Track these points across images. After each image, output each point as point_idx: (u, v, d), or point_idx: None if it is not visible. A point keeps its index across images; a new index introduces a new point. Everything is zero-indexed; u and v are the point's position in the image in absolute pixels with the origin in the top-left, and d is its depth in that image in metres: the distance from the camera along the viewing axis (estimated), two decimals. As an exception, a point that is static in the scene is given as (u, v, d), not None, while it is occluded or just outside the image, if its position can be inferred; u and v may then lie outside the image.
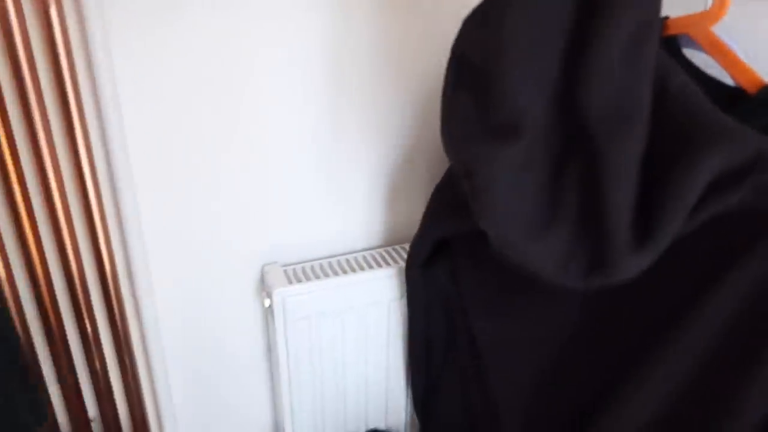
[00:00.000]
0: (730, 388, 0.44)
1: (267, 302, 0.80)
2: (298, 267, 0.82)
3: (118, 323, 0.75)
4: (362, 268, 0.83)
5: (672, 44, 0.56)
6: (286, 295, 0.78)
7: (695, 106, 0.41)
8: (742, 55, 0.50)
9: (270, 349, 0.87)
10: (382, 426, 0.95)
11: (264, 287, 0.81)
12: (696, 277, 0.43)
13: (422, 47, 0.78)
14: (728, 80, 0.52)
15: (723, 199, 0.39)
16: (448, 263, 0.71)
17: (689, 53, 0.56)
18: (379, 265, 0.83)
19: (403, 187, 0.86)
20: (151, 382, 0.81)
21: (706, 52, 0.52)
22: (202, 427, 0.90)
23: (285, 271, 0.81)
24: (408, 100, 0.81)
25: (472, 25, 0.47)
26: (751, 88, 0.48)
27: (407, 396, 0.93)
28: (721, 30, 0.52)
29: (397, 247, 0.88)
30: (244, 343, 0.86)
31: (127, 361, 0.78)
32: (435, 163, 0.86)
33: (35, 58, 0.59)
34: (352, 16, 0.73)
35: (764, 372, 0.42)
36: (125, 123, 0.67)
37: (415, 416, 0.92)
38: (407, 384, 0.92)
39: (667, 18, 0.56)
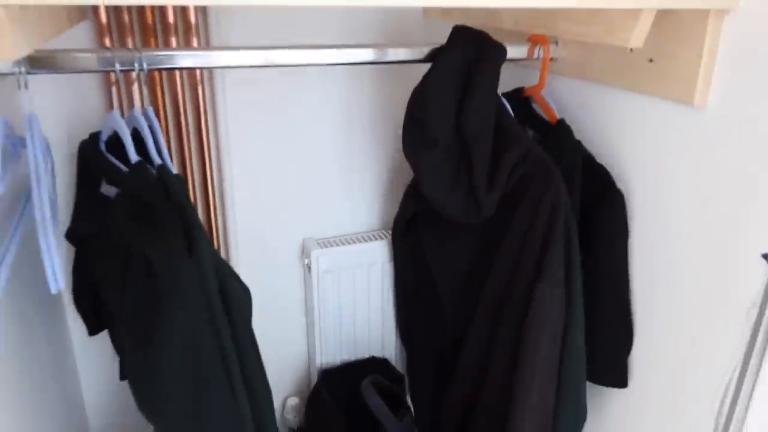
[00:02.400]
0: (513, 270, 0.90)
1: (306, 261, 1.28)
2: (326, 239, 1.31)
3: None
4: (366, 241, 1.31)
5: (526, 100, 1.05)
6: (319, 256, 1.26)
7: (510, 127, 0.89)
8: (553, 105, 0.99)
9: (306, 295, 1.34)
10: (379, 354, 1.40)
11: (304, 251, 1.29)
12: (503, 216, 0.90)
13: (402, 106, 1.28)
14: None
15: (519, 170, 0.86)
16: (415, 231, 1.19)
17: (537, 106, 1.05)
18: (377, 239, 1.31)
19: (392, 190, 1.35)
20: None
21: (538, 104, 1.01)
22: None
23: (317, 241, 1.29)
24: (394, 135, 1.31)
25: (413, 94, 0.97)
26: (553, 120, 0.97)
27: (396, 332, 1.39)
28: (546, 93, 1.01)
29: (389, 230, 1.35)
30: (289, 291, 1.33)
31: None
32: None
33: (188, 111, 1.10)
34: (362, 88, 1.24)
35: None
36: (232, 152, 1.17)
37: (402, 346, 1.37)
38: (396, 322, 1.38)
39: (523, 87, 1.05)
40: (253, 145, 1.19)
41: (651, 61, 0.83)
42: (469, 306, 1.04)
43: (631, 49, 0.86)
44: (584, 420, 0.94)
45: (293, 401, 1.41)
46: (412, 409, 1.28)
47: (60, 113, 1.04)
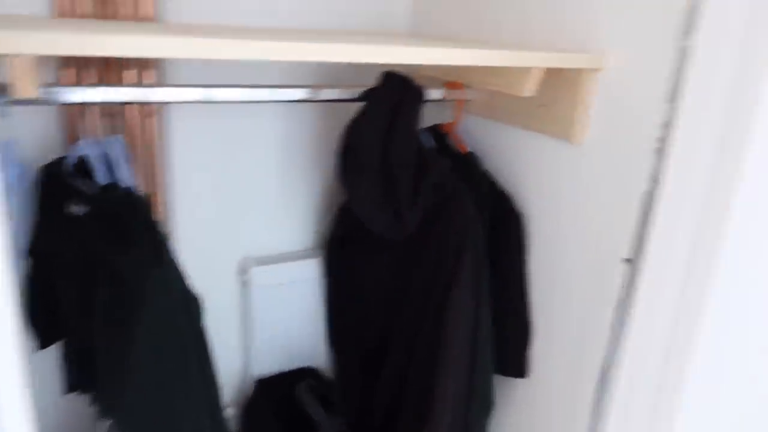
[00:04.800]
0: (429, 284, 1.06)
1: (243, 276, 1.38)
2: (263, 257, 1.42)
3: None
4: (300, 259, 1.43)
5: (444, 135, 1.22)
6: (255, 271, 1.36)
7: (429, 156, 1.06)
8: (465, 140, 1.17)
9: (243, 309, 1.44)
10: (310, 363, 1.51)
11: (242, 267, 1.40)
12: (423, 233, 1.06)
13: (333, 137, 1.43)
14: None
15: (437, 193, 1.03)
16: (347, 247, 1.33)
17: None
18: (310, 257, 1.44)
19: (324, 213, 1.48)
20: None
21: (452, 139, 1.19)
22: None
23: (255, 258, 1.40)
24: (326, 163, 1.45)
25: (348, 126, 1.12)
26: (463, 151, 1.15)
27: (326, 341, 1.51)
28: (461, 130, 1.19)
29: (321, 249, 1.48)
30: (227, 305, 1.43)
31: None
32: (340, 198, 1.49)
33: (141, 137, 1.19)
34: (300, 119, 1.37)
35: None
36: (177, 175, 1.26)
37: (330, 355, 1.49)
38: (326, 332, 1.50)
39: (441, 123, 1.23)
40: (197, 170, 1.29)
41: (542, 105, 1.02)
42: (394, 312, 1.18)
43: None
44: (493, 407, 1.11)
45: (229, 411, 1.49)
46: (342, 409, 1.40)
47: (25, 141, 1.10)
